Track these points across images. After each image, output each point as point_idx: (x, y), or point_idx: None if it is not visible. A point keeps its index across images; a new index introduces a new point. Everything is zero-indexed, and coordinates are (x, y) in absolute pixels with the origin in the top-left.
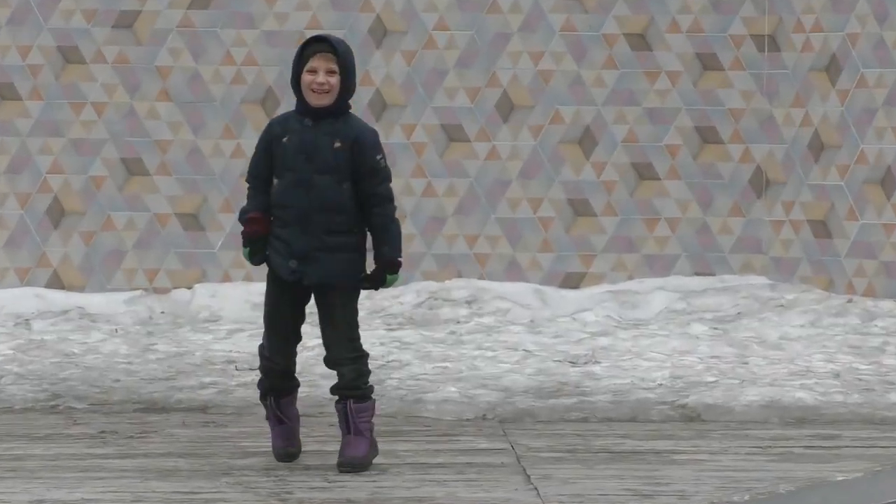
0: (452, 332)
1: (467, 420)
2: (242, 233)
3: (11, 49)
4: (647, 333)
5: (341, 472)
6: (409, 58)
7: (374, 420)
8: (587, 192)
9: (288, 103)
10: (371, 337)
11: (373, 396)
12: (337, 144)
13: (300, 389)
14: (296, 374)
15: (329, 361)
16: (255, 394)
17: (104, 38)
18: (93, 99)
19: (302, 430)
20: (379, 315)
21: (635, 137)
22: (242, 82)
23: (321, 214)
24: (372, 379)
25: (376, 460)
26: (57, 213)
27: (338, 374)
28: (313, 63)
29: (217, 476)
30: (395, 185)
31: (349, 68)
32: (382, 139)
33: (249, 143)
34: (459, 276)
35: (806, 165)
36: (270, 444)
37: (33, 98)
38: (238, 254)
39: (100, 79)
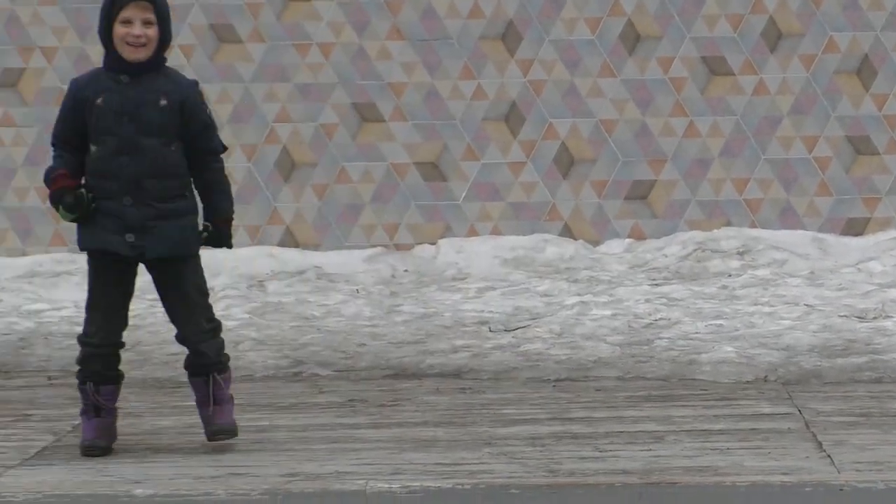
0: (724, 287)
1: (747, 382)
2: (51, 196)
3: None
4: None
5: (215, 440)
6: None
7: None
8: (868, 128)
9: (532, 40)
10: (635, 293)
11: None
12: (163, 102)
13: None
14: (119, 366)
15: (184, 340)
16: (512, 357)
17: None
18: (318, 39)
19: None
20: (642, 269)
21: None
22: (480, 16)
23: (153, 181)
24: (639, 338)
25: (650, 427)
26: (287, 166)
27: (195, 352)
28: (127, 13)
29: (479, 446)
30: (654, 123)
31: (166, 17)
32: (636, 75)
33: (490, 82)
34: (728, 224)
35: None
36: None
37: (254, 40)
38: (485, 205)
39: (325, 17)
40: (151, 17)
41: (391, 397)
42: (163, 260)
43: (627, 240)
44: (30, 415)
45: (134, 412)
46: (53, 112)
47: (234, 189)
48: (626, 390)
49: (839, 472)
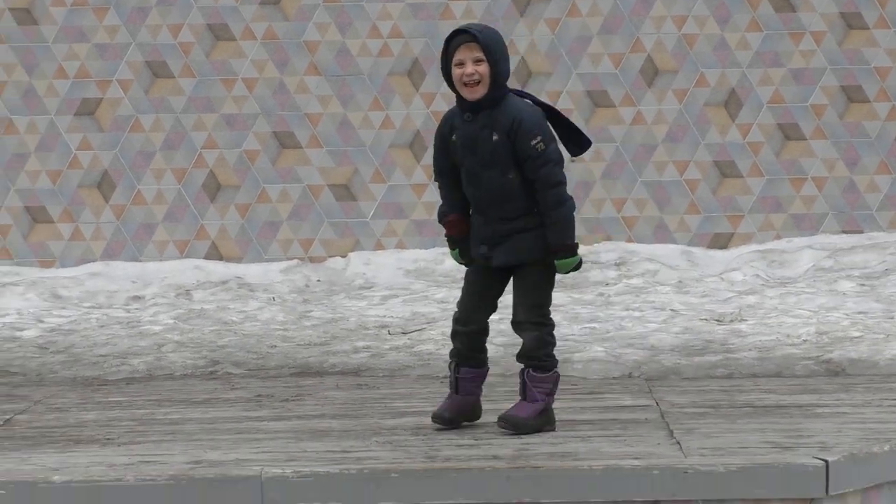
0: (601, 294)
1: (614, 378)
2: (446, 236)
3: (163, 28)
4: (794, 291)
5: (498, 426)
6: (553, 25)
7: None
8: (733, 154)
9: (434, 75)
10: None
11: (556, 370)
12: (495, 137)
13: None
14: (485, 353)
15: (514, 325)
16: (406, 357)
17: (252, 14)
18: (243, 75)
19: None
20: None
21: (781, 98)
22: (389, 55)
23: (493, 206)
24: (519, 339)
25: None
26: (213, 187)
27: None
28: (459, 56)
29: (368, 436)
30: None
31: (495, 52)
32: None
33: (396, 113)
34: (608, 239)
35: None
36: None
37: (185, 75)
38: (390, 222)
39: (250, 55)
40: (480, 55)
41: (295, 393)
42: (512, 267)
43: None
44: None
45: (61, 407)
46: None
47: (164, 209)
48: (505, 385)
49: (685, 457)
